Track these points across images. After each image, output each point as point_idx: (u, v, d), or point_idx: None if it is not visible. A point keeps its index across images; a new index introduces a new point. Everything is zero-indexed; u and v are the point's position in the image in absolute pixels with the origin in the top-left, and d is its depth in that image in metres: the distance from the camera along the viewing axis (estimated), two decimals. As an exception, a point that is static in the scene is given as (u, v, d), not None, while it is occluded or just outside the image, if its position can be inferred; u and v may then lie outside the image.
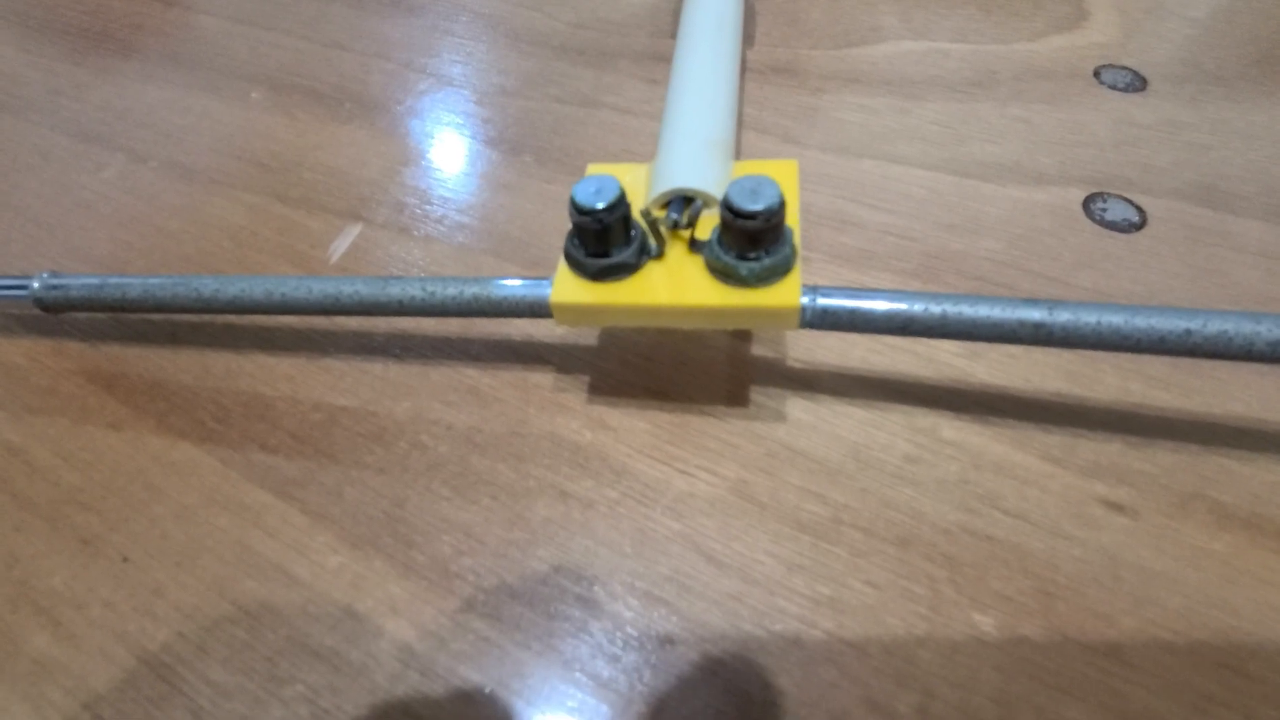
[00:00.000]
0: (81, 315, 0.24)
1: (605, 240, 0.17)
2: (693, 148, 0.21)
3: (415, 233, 0.26)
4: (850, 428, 0.20)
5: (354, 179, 0.29)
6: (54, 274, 0.22)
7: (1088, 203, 0.26)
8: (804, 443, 0.20)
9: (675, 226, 0.19)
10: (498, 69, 0.33)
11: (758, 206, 0.16)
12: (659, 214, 0.19)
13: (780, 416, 0.20)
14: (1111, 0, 0.35)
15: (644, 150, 0.29)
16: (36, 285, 0.22)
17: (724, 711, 0.16)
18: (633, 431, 0.20)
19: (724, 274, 0.17)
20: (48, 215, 0.28)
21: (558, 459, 0.20)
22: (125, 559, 0.19)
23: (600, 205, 0.17)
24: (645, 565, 0.18)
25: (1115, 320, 0.16)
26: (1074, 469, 0.19)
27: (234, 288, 0.21)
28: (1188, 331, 0.16)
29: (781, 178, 0.18)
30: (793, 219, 0.18)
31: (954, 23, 0.34)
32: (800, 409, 0.21)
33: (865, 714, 0.16)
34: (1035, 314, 0.17)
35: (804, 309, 0.17)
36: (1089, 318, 0.16)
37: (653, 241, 0.18)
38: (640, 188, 0.21)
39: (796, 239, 0.18)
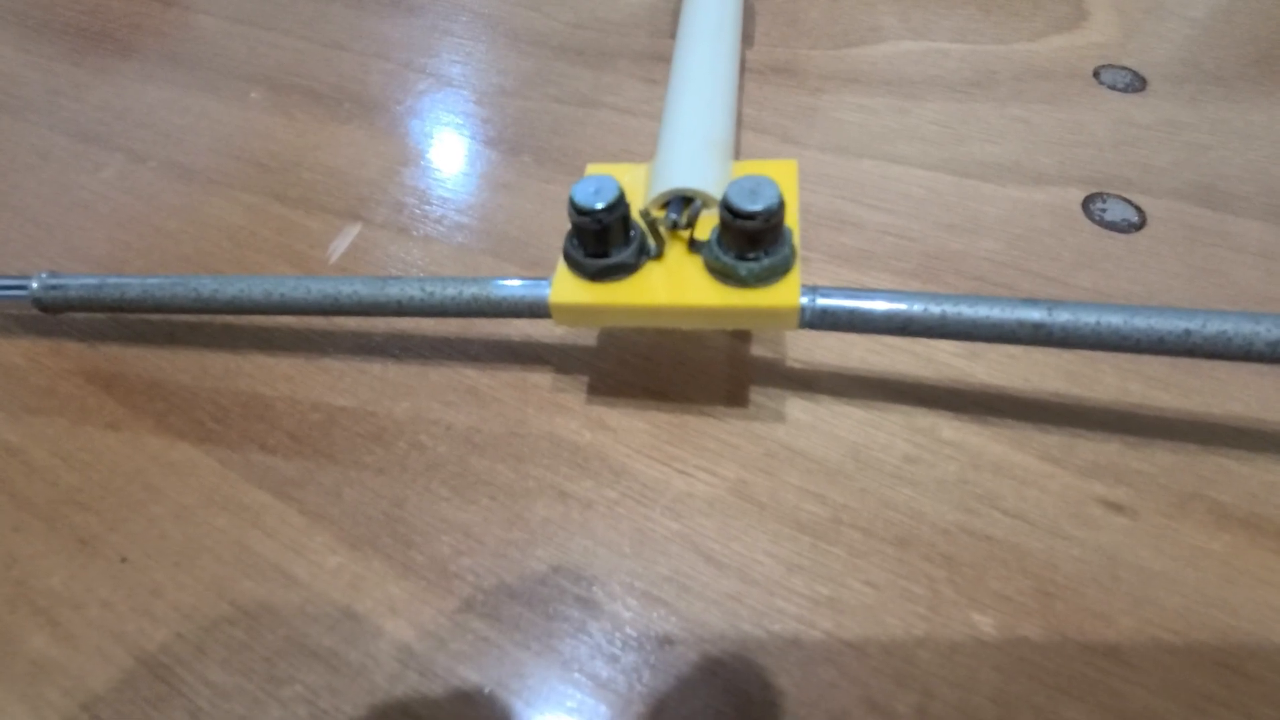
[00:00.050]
0: (80, 315, 0.24)
1: (604, 240, 0.17)
2: (692, 148, 0.21)
3: (414, 233, 0.26)
4: (849, 428, 0.20)
5: (353, 179, 0.29)
6: (52, 274, 0.22)
7: (1087, 203, 0.26)
8: (803, 443, 0.20)
9: (674, 227, 0.19)
10: (497, 69, 0.33)
11: (757, 207, 0.16)
12: (658, 214, 0.19)
13: (779, 417, 0.20)
14: (1111, 0, 0.35)
15: (643, 150, 0.29)
16: (35, 285, 0.22)
17: (723, 711, 0.16)
18: (632, 432, 0.20)
19: (723, 274, 0.17)
20: (46, 215, 0.28)
21: (557, 459, 0.20)
22: (123, 559, 0.19)
23: (599, 205, 0.17)
24: (644, 565, 0.18)
25: (1114, 320, 0.16)
26: (1073, 469, 0.19)
27: (233, 288, 0.21)
28: (1187, 332, 0.16)
29: (781, 178, 0.18)
30: (792, 219, 0.18)
31: (953, 23, 0.34)
32: (799, 409, 0.21)
33: (864, 714, 0.16)
34: (1034, 314, 0.17)
35: (803, 309, 0.17)
36: (1088, 318, 0.17)
37: (652, 242, 0.18)
38: (639, 188, 0.21)
39: (796, 239, 0.18)
